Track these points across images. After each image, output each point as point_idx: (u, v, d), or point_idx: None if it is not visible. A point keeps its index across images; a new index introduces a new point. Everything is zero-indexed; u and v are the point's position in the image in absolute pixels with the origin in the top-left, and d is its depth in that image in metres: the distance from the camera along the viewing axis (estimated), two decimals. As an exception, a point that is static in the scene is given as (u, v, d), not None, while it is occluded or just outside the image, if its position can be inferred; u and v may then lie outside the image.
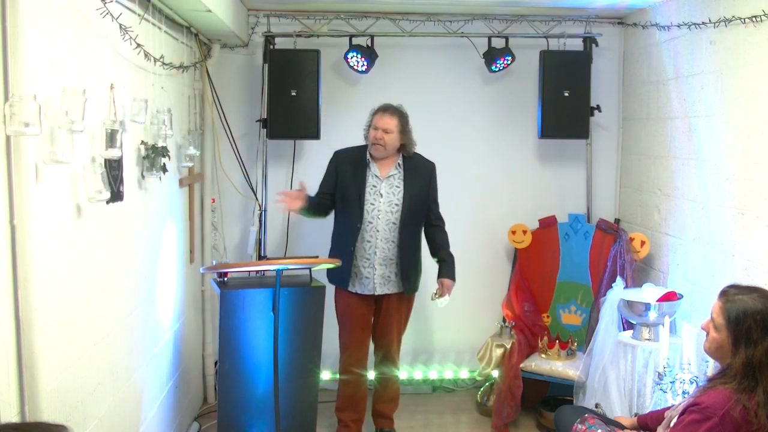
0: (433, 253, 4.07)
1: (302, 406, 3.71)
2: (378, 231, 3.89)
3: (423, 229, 4.06)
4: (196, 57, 4.28)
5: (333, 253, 4.02)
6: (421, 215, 4.00)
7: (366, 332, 4.05)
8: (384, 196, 3.90)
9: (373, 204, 3.89)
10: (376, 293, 3.93)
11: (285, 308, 3.50)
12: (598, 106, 4.68)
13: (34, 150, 2.05)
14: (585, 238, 4.64)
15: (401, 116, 3.94)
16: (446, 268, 4.01)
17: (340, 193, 3.97)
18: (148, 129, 3.15)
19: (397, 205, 3.90)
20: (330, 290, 3.88)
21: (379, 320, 4.04)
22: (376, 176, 3.93)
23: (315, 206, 3.97)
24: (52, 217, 2.23)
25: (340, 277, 3.94)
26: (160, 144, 3.16)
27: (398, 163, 3.96)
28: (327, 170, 4.06)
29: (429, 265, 4.13)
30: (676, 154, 4.07)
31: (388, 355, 4.09)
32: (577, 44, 4.71)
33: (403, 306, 4.06)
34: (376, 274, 3.91)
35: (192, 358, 4.37)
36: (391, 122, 3.89)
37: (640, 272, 4.43)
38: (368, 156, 3.96)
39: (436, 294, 3.95)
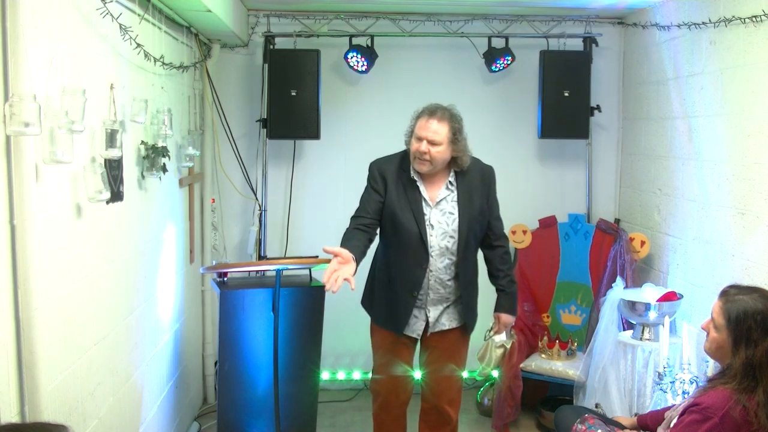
0: (492, 278, 3.39)
1: (302, 406, 3.71)
2: (432, 271, 3.17)
3: (480, 248, 3.36)
4: (196, 57, 4.27)
5: (383, 301, 3.29)
6: (480, 237, 3.29)
7: (410, 375, 3.38)
8: (436, 227, 3.15)
9: (427, 239, 3.16)
10: (428, 334, 3.28)
11: (285, 308, 3.50)
12: (598, 106, 4.68)
13: (34, 150, 2.05)
14: (585, 238, 4.64)
15: (453, 120, 3.11)
16: (506, 301, 3.36)
17: (392, 220, 3.17)
18: (148, 129, 3.15)
19: (452, 237, 3.16)
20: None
21: (430, 364, 3.33)
22: (425, 201, 3.17)
23: (362, 253, 3.02)
24: (52, 217, 2.23)
25: (394, 321, 3.25)
26: (160, 144, 3.17)
27: (449, 182, 3.19)
28: (370, 186, 3.22)
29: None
30: (676, 154, 4.07)
31: (437, 407, 3.36)
32: (577, 44, 4.71)
33: (461, 345, 3.35)
34: (429, 316, 3.24)
35: (192, 358, 4.37)
36: (439, 130, 3.07)
37: (640, 272, 4.43)
38: (413, 172, 3.18)
39: (490, 331, 3.43)
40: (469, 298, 3.29)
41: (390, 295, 3.25)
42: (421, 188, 3.18)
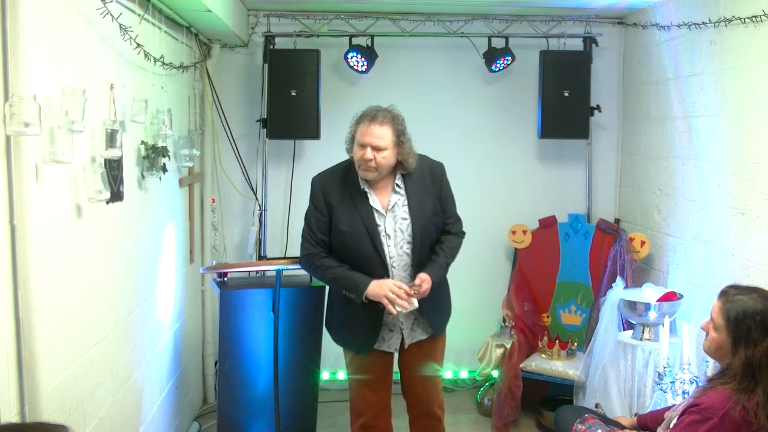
0: (432, 253, 3.12)
1: (302, 406, 3.72)
2: (394, 279, 3.03)
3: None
4: (196, 57, 4.28)
5: (343, 321, 3.15)
6: (436, 239, 3.14)
7: (388, 393, 3.26)
8: (392, 237, 3.02)
9: (384, 250, 3.03)
10: (405, 345, 3.15)
11: (285, 308, 3.50)
12: (598, 106, 4.68)
13: (34, 150, 2.06)
14: (585, 238, 4.64)
15: (395, 122, 2.98)
16: (431, 266, 3.04)
17: (341, 238, 3.03)
18: (148, 129, 3.15)
19: (409, 243, 3.03)
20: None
21: (410, 371, 3.22)
22: (377, 211, 3.03)
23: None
24: (52, 217, 2.23)
25: (362, 342, 3.12)
26: (160, 144, 3.17)
27: (396, 185, 3.06)
28: (314, 206, 3.09)
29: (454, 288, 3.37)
30: (676, 154, 4.07)
31: (428, 411, 3.28)
32: (577, 44, 4.71)
33: (438, 347, 3.24)
34: (403, 328, 3.12)
35: (192, 358, 4.37)
36: (382, 135, 2.93)
37: (640, 272, 4.43)
38: (361, 181, 3.05)
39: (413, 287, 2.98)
40: (438, 300, 3.14)
41: (350, 316, 3.10)
42: (372, 198, 3.03)
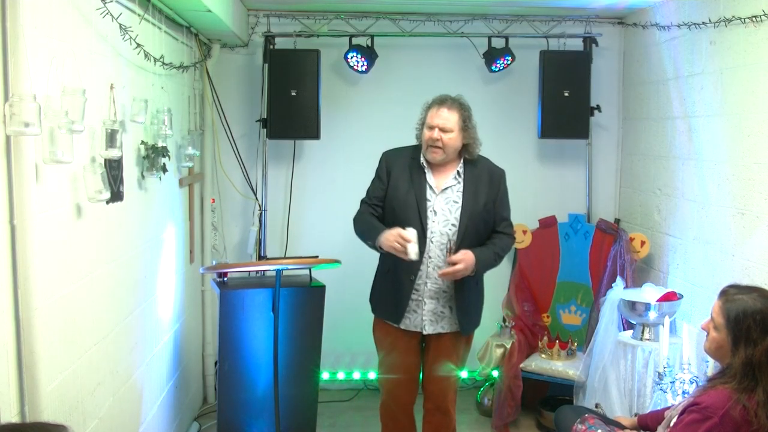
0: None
1: (302, 406, 3.71)
2: (431, 258, 3.19)
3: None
4: (196, 57, 4.28)
5: (383, 291, 3.36)
6: (484, 235, 3.29)
7: (414, 374, 3.40)
8: (438, 214, 3.21)
9: (427, 223, 3.20)
10: (425, 332, 3.27)
11: (285, 308, 3.50)
12: (598, 106, 4.68)
13: (34, 150, 2.06)
14: (585, 238, 4.64)
15: (462, 109, 3.24)
16: (481, 247, 3.21)
17: (392, 204, 3.26)
18: (148, 129, 3.15)
19: (454, 225, 3.20)
20: (332, 290, 3.74)
21: (429, 364, 3.36)
22: (431, 188, 3.23)
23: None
24: (52, 217, 2.23)
25: (392, 310, 3.29)
26: (160, 144, 3.17)
27: (458, 171, 3.26)
28: (377, 174, 3.36)
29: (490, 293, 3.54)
30: (676, 154, 4.08)
31: (440, 408, 3.40)
32: (577, 44, 4.71)
33: (460, 346, 3.37)
34: (424, 310, 3.24)
35: (192, 358, 4.37)
36: (450, 118, 3.19)
37: (640, 272, 4.43)
38: (423, 160, 3.27)
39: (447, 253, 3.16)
40: (465, 297, 3.26)
41: (389, 285, 3.30)
42: (428, 175, 3.25)
